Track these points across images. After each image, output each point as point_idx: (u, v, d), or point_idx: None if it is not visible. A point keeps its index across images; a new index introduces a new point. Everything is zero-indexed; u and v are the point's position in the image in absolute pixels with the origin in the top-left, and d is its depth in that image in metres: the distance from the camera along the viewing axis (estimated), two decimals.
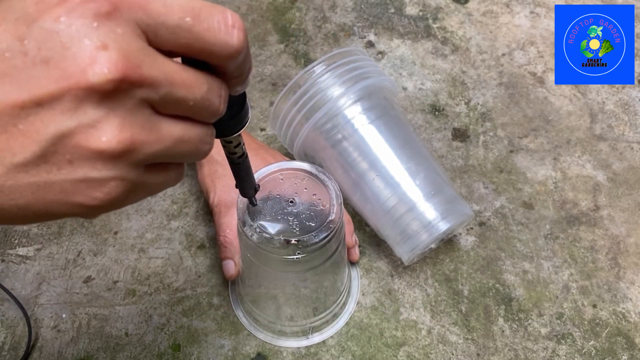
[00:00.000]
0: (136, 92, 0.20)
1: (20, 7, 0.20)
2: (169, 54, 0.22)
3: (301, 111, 0.53)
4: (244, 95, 0.27)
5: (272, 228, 0.43)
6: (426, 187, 0.51)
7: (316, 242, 0.42)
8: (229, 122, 0.27)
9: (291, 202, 0.44)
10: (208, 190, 0.55)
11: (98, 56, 0.19)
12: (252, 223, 0.42)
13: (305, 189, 0.45)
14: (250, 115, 0.29)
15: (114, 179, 0.21)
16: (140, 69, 0.20)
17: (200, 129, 0.24)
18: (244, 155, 0.33)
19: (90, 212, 0.22)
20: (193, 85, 0.22)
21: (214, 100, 0.23)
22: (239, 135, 0.30)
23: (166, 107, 0.22)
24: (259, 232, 0.42)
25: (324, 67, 0.53)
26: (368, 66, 0.55)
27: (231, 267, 0.51)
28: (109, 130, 0.20)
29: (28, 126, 0.20)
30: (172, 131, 0.22)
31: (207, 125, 0.24)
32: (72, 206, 0.21)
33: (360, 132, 0.52)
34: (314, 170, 0.45)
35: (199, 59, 0.22)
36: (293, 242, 0.42)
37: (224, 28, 0.22)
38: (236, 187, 0.37)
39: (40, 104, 0.19)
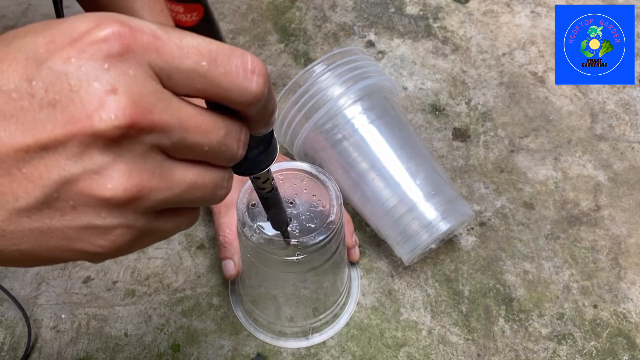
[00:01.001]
0: (146, 138, 0.19)
1: (32, 47, 0.19)
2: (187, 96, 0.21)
3: (301, 111, 0.53)
4: (270, 132, 0.26)
5: (272, 229, 0.43)
6: (426, 187, 0.51)
7: (316, 243, 0.42)
8: (256, 160, 0.27)
9: (291, 203, 0.44)
10: None
11: (106, 101, 0.19)
12: (251, 224, 0.42)
13: (305, 189, 0.45)
14: (277, 152, 0.28)
15: (120, 227, 0.21)
16: (151, 115, 0.19)
17: (216, 173, 0.23)
18: (273, 190, 0.32)
19: (94, 258, 0.22)
20: (209, 130, 0.21)
21: (231, 145, 0.22)
22: (268, 171, 0.29)
23: (179, 152, 0.21)
24: (259, 232, 0.42)
25: (324, 66, 0.53)
26: (368, 66, 0.54)
27: (231, 267, 0.51)
28: (115, 178, 0.19)
29: (32, 170, 0.19)
30: (185, 177, 0.21)
31: (224, 169, 0.23)
32: (76, 253, 0.21)
33: (360, 132, 0.52)
34: (314, 171, 0.45)
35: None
36: (293, 243, 0.42)
37: (242, 73, 0.20)
38: (267, 220, 0.37)
39: (45, 148, 0.19)
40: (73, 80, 0.19)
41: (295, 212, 0.44)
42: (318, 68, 0.53)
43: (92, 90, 0.19)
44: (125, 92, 0.19)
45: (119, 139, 0.19)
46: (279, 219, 0.37)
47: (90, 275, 0.54)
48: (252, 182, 0.30)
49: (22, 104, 0.19)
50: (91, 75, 0.19)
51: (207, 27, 0.21)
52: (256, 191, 0.32)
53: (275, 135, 0.27)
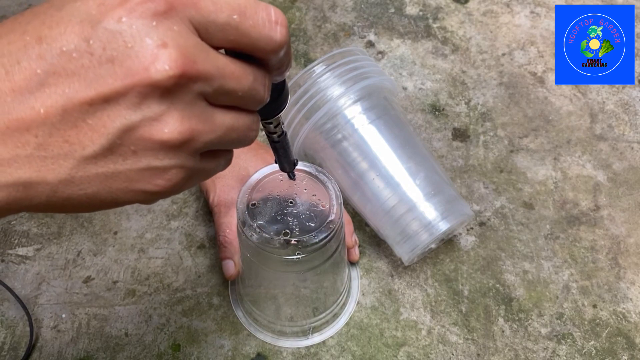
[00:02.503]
0: (193, 86, 0.22)
1: (84, 10, 0.21)
2: (217, 48, 0.23)
3: (301, 111, 0.53)
4: (283, 80, 0.29)
5: (272, 228, 0.43)
6: (426, 187, 0.51)
7: (316, 242, 0.42)
8: (271, 106, 0.29)
9: (291, 202, 0.44)
10: (208, 190, 0.54)
11: (159, 54, 0.20)
12: (251, 223, 0.42)
13: (305, 189, 0.45)
14: (289, 97, 0.30)
15: (175, 167, 0.23)
16: (197, 65, 0.21)
17: (247, 117, 0.25)
18: (284, 134, 0.34)
19: (152, 198, 0.24)
20: (241, 76, 0.23)
21: (259, 89, 0.24)
22: (280, 116, 0.32)
23: (218, 98, 0.23)
24: (259, 232, 0.42)
25: (324, 66, 0.53)
26: (368, 66, 0.55)
27: (231, 267, 0.51)
28: (170, 123, 0.21)
29: (96, 121, 0.21)
30: (224, 120, 0.24)
31: (253, 113, 0.26)
32: (136, 193, 0.23)
33: (360, 132, 0.52)
34: (313, 171, 0.45)
35: (245, 53, 0.23)
36: (293, 242, 0.42)
37: (267, 24, 0.23)
38: (275, 162, 0.38)
39: (107, 100, 0.21)
40: (127, 38, 0.20)
41: (295, 211, 0.44)
42: (318, 68, 0.53)
43: (145, 45, 0.20)
44: (174, 46, 0.21)
45: (173, 88, 0.21)
46: (287, 161, 0.38)
47: (91, 275, 0.54)
48: (264, 127, 0.32)
49: (83, 62, 0.20)
50: (143, 32, 0.20)
51: None
52: (267, 136, 0.34)
53: (287, 85, 0.30)
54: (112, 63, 0.20)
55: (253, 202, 0.44)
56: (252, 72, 0.24)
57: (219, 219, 0.52)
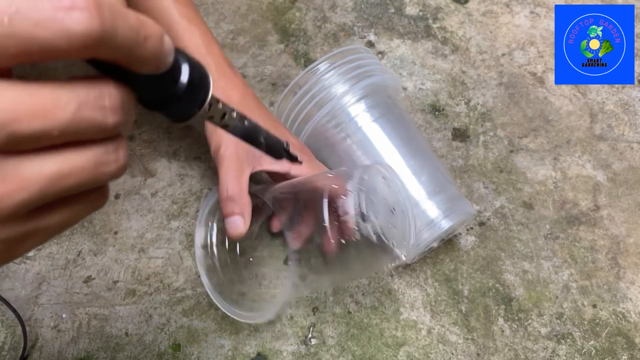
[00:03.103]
0: None
1: None
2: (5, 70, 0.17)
3: (305, 109, 0.53)
4: (175, 65, 0.20)
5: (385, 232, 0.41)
6: (429, 185, 0.51)
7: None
8: (179, 104, 0.21)
9: (392, 210, 0.43)
10: (211, 138, 0.48)
11: None
12: (374, 221, 0.40)
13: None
14: (210, 82, 0.22)
15: None
16: None
17: (92, 151, 0.19)
18: (242, 121, 0.26)
19: None
20: (50, 110, 0.17)
21: (93, 116, 0.18)
22: (213, 105, 0.23)
23: (20, 146, 0.17)
24: (379, 233, 0.40)
25: (328, 64, 0.53)
26: (372, 64, 0.55)
27: (240, 224, 0.44)
28: None
29: None
30: (42, 170, 0.18)
31: (104, 141, 0.19)
32: None
33: (363, 130, 0.52)
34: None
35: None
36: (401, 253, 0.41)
37: (55, 14, 0.16)
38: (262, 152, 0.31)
39: None
40: None
41: (394, 221, 0.42)
42: (322, 66, 0.53)
43: None
44: None
45: None
46: (272, 149, 0.30)
47: (91, 274, 0.54)
48: (209, 121, 0.24)
49: None
50: None
51: None
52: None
53: (194, 64, 0.21)
54: None
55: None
56: (76, 95, 0.17)
57: (225, 172, 0.46)
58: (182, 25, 0.50)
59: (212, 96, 0.23)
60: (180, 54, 0.21)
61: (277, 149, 0.31)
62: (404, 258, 0.41)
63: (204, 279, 0.49)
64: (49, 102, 0.17)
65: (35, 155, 0.18)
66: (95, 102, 0.18)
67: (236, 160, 0.46)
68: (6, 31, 0.16)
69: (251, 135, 0.28)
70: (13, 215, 0.18)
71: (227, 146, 0.47)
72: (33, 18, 0.16)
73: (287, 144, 0.32)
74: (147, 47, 0.18)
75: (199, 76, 0.21)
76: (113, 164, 0.19)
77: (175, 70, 0.20)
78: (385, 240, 0.40)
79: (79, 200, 0.20)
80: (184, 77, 0.21)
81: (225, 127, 0.26)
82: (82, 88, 0.18)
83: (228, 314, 0.48)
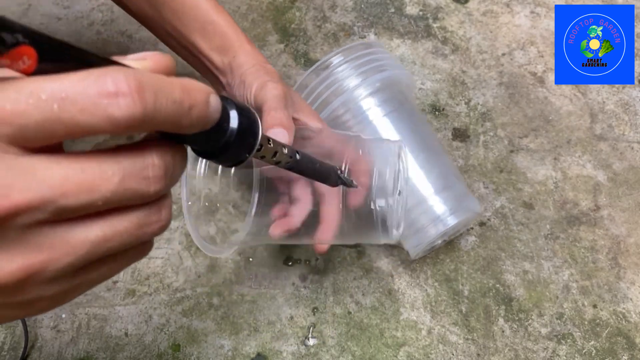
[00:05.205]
0: (14, 223, 0.17)
1: None
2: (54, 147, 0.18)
3: (317, 101, 0.53)
4: (222, 115, 0.21)
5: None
6: (437, 181, 0.51)
7: None
8: (227, 151, 0.21)
9: (400, 191, 0.42)
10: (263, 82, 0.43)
11: None
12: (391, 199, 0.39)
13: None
14: (259, 125, 0.23)
15: (23, 304, 0.19)
16: (9, 198, 0.17)
17: (134, 215, 0.20)
18: (294, 156, 0.27)
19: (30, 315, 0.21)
20: (95, 183, 0.18)
21: (137, 187, 0.19)
22: (264, 145, 0.24)
23: (68, 215, 0.18)
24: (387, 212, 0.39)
25: (342, 57, 0.53)
26: (386, 59, 0.54)
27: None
28: None
29: None
30: (88, 236, 0.19)
31: (150, 203, 0.20)
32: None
33: (374, 124, 0.52)
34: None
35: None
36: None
37: (100, 100, 0.17)
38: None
39: None
40: None
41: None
42: (335, 59, 0.53)
43: None
44: None
45: None
46: (325, 177, 0.31)
47: None
48: (261, 160, 0.25)
49: None
50: None
51: (54, 60, 0.17)
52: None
53: (241, 110, 0.22)
54: None
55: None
56: (120, 167, 0.18)
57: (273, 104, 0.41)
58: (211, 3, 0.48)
59: (262, 136, 0.23)
60: (228, 102, 0.21)
61: (330, 176, 0.32)
62: (394, 239, 0.40)
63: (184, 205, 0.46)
64: (95, 176, 0.18)
65: (82, 221, 0.19)
66: (139, 173, 0.19)
67: (284, 97, 0.43)
68: (55, 117, 0.17)
69: (305, 166, 0.29)
70: (61, 276, 0.19)
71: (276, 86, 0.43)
72: (79, 105, 0.17)
73: (340, 169, 0.32)
74: (192, 116, 0.19)
75: (248, 122, 0.22)
76: (156, 224, 0.20)
77: (224, 120, 0.21)
78: (388, 221, 0.40)
79: (124, 254, 0.21)
80: (233, 124, 0.21)
81: (277, 163, 0.26)
82: (127, 159, 0.19)
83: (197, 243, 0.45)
